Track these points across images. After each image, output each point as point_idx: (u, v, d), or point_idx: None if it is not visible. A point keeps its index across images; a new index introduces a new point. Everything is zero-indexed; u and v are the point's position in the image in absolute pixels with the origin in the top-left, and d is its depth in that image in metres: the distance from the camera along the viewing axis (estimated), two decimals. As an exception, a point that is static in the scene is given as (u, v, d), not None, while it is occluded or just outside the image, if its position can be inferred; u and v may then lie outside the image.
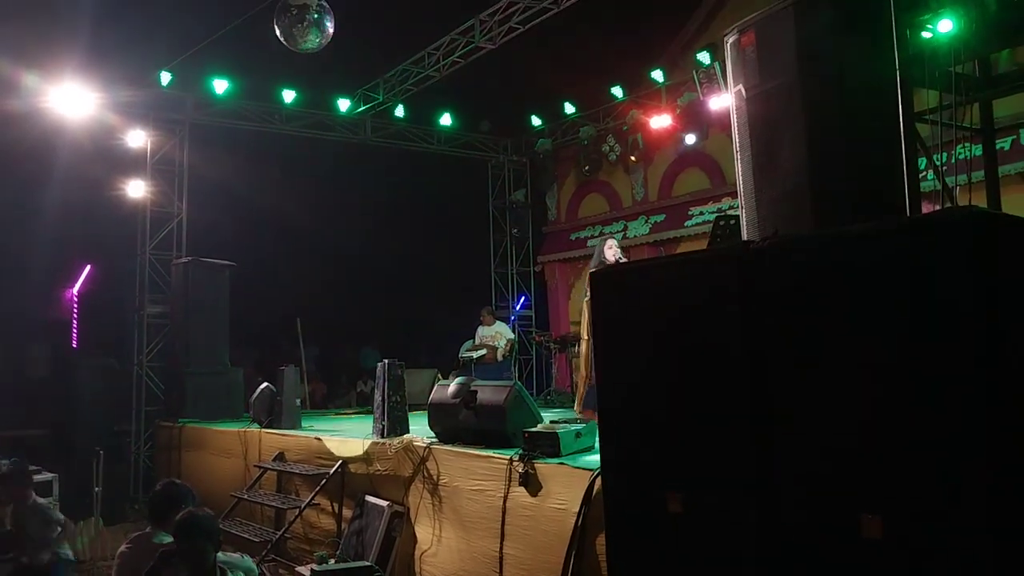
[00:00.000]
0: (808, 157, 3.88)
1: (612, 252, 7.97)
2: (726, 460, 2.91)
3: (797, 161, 3.92)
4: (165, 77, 12.01)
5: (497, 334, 12.41)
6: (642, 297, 3.22)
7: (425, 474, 6.11)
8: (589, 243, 15.23)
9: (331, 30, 8.44)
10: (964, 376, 2.25)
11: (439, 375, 11.05)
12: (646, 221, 14.29)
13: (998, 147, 5.94)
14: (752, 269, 2.81)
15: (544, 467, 5.07)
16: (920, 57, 4.29)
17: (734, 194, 6.71)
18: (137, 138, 12.07)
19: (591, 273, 3.45)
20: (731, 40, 4.86)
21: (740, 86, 4.77)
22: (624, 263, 7.00)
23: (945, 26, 4.97)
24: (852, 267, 2.56)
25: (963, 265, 2.26)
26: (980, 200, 5.14)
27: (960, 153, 4.82)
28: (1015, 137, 8.49)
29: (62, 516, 6.30)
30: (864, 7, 4.51)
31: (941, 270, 2.32)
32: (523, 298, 16.54)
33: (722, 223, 5.85)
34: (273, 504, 7.67)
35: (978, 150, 5.50)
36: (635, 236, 14.33)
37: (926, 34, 5.14)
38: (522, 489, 5.11)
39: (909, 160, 3.89)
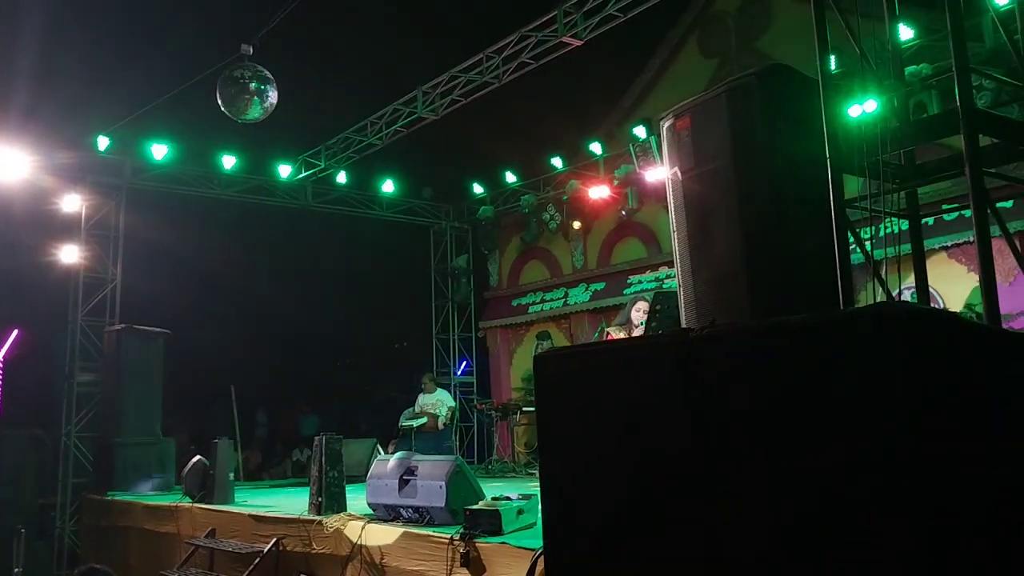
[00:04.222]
0: (742, 242, 3.99)
1: (639, 315, 7.35)
2: (671, 549, 2.91)
3: (732, 246, 4.03)
4: (103, 141, 11.86)
5: (438, 402, 12.32)
6: (584, 383, 3.24)
7: (363, 553, 5.98)
8: (530, 310, 15.33)
9: (274, 101, 8.47)
10: (899, 472, 2.31)
11: (378, 445, 10.90)
12: (586, 289, 14.45)
13: (923, 222, 6.19)
14: (692, 357, 2.86)
15: (486, 546, 5.00)
16: (848, 144, 4.47)
17: (670, 263, 6.83)
18: (72, 202, 11.86)
19: (535, 357, 3.47)
20: (667, 124, 5.01)
21: (676, 168, 4.91)
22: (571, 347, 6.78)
23: (870, 107, 5.19)
24: (786, 358, 2.63)
25: (892, 360, 2.34)
26: (908, 273, 5.33)
27: (887, 228, 5.00)
28: (937, 215, 8.83)
29: None
30: (794, 95, 4.70)
31: (871, 364, 2.39)
32: (464, 362, 16.49)
33: (660, 299, 5.95)
34: (205, 584, 7.41)
35: (905, 224, 5.71)
36: (575, 303, 14.47)
37: (855, 110, 5.36)
38: (465, 570, 5.02)
39: (840, 244, 4.02)
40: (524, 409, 12.28)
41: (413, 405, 12.48)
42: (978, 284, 4.38)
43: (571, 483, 3.36)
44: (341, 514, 6.47)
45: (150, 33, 13.26)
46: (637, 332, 7.26)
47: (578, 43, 9.67)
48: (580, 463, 3.29)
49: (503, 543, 4.92)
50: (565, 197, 13.87)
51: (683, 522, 2.90)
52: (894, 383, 2.33)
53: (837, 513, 2.48)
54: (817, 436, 2.53)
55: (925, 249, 5.98)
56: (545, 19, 9.78)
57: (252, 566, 6.91)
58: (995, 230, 4.61)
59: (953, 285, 9.70)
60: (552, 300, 15.08)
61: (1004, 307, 4.86)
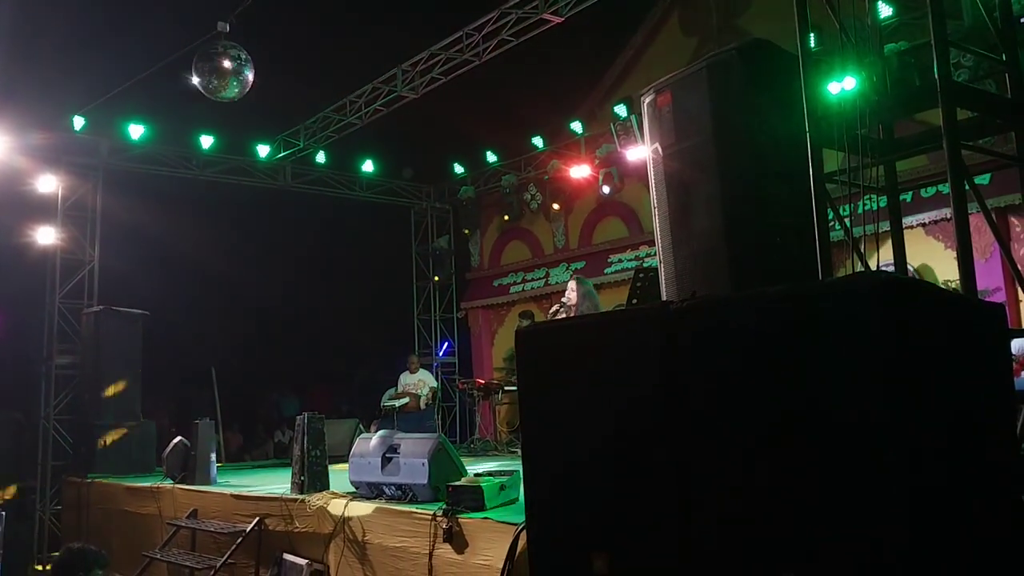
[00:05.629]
0: (723, 217, 4.00)
1: (567, 293, 7.60)
2: (651, 521, 2.93)
3: (712, 222, 4.04)
4: (78, 121, 11.69)
5: (420, 382, 12.33)
6: (566, 356, 3.25)
7: (346, 531, 5.98)
8: (512, 290, 15.34)
9: (250, 79, 8.38)
10: (876, 439, 2.33)
11: (360, 426, 10.89)
12: (567, 268, 14.47)
13: (900, 199, 6.23)
14: (672, 329, 2.87)
15: (469, 522, 5.02)
16: (828, 119, 4.49)
17: (651, 242, 6.86)
18: (48, 183, 11.70)
19: (516, 331, 3.47)
20: (647, 100, 5.00)
21: (657, 144, 4.91)
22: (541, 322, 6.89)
23: (850, 83, 5.20)
24: (766, 328, 2.64)
25: (872, 329, 2.36)
26: (886, 249, 5.37)
27: (866, 205, 5.03)
28: (915, 191, 8.89)
29: None
30: (774, 70, 4.71)
31: (852, 333, 2.41)
32: (446, 344, 16.48)
33: (641, 275, 5.97)
34: (187, 564, 7.38)
35: (883, 201, 5.75)
36: (557, 283, 14.48)
37: (834, 86, 5.38)
38: (447, 546, 5.04)
39: (819, 219, 4.04)
40: (506, 388, 12.29)
41: (395, 385, 12.49)
42: (955, 260, 4.42)
43: (553, 456, 3.38)
44: (324, 492, 6.46)
45: (126, 11, 13.07)
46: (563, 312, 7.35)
47: (558, 20, 9.62)
48: (561, 436, 3.31)
49: (485, 518, 4.94)
50: (546, 177, 13.88)
51: (665, 496, 2.92)
52: (874, 351, 2.35)
53: (823, 488, 2.49)
54: (799, 406, 2.55)
55: (902, 226, 6.02)
56: (526, -4, 9.73)
57: (235, 545, 6.91)
58: (972, 207, 4.65)
59: (930, 261, 9.79)
60: (533, 280, 15.09)
61: (980, 283, 4.91)
